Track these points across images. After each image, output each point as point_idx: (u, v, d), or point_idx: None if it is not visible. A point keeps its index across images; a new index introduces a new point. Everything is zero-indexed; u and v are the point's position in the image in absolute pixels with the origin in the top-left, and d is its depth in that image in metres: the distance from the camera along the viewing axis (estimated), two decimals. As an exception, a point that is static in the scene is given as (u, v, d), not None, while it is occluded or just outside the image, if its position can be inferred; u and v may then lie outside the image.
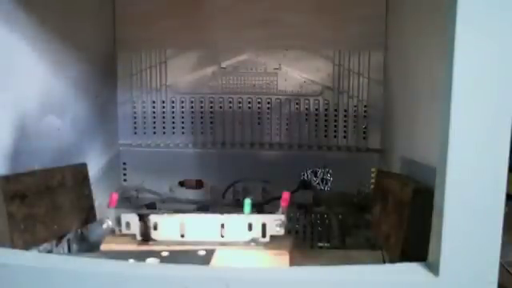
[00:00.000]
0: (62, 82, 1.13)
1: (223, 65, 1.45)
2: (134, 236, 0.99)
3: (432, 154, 0.76)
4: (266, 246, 0.96)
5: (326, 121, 1.44)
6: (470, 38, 0.58)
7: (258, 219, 0.97)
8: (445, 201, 0.61)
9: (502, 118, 0.59)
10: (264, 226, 0.96)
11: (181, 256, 0.91)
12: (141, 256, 0.88)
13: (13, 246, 0.84)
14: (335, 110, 1.43)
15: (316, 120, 1.44)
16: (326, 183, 1.42)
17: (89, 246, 1.08)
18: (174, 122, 1.48)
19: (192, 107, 1.47)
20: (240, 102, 1.46)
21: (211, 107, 1.47)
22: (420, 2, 0.98)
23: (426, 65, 0.91)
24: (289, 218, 1.20)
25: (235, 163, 1.45)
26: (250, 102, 1.45)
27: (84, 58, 1.23)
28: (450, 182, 0.60)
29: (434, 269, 0.63)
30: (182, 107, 1.47)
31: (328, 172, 1.42)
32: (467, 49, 0.58)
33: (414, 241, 0.76)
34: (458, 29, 0.58)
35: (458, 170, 0.60)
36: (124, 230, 0.99)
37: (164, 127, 1.49)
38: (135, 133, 1.49)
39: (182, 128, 1.48)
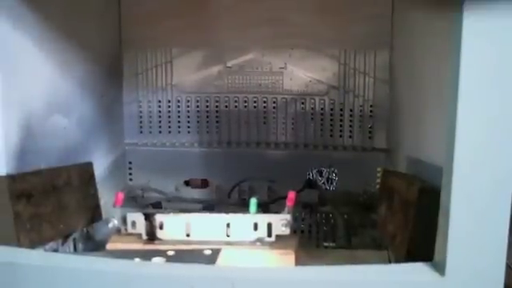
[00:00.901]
0: (68, 81, 1.13)
1: (229, 64, 1.45)
2: (139, 235, 0.99)
3: (438, 154, 0.76)
4: (272, 245, 0.96)
5: (331, 120, 1.43)
6: (476, 38, 0.58)
7: (263, 219, 0.97)
8: (451, 200, 0.60)
9: (509, 117, 0.59)
10: (270, 226, 0.96)
11: (186, 255, 0.91)
12: (147, 255, 0.88)
13: (19, 244, 0.84)
14: (341, 110, 1.42)
15: (322, 119, 1.44)
16: (332, 183, 1.42)
17: (94, 245, 1.08)
18: (179, 122, 1.48)
19: (198, 106, 1.47)
20: (246, 102, 1.46)
21: (217, 106, 1.46)
22: (426, 2, 0.98)
23: (432, 64, 0.90)
24: (294, 218, 1.19)
25: (241, 163, 1.45)
26: (255, 102, 1.45)
27: (90, 58, 1.23)
28: (457, 182, 0.60)
29: (440, 269, 0.63)
30: (188, 106, 1.47)
31: (334, 171, 1.41)
32: (474, 48, 0.58)
33: (420, 240, 0.76)
34: (465, 28, 0.58)
35: (464, 170, 0.60)
36: (130, 230, 0.99)
37: (170, 126, 1.49)
38: (141, 132, 1.49)
39: (188, 127, 1.48)
